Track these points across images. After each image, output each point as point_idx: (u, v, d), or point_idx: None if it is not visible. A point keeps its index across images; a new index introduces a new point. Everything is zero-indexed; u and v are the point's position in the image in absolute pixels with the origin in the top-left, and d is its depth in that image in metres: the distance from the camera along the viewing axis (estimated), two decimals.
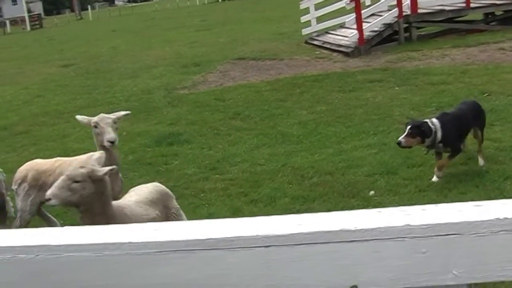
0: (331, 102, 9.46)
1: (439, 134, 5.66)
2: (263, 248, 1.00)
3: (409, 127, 5.67)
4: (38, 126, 10.42)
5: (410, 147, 5.84)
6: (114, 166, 3.98)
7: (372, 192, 5.68)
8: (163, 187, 4.48)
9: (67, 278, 1.12)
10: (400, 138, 5.70)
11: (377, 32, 14.06)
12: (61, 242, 1.12)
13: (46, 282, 1.13)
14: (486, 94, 8.52)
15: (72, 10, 63.93)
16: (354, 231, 0.98)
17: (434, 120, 5.78)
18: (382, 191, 5.69)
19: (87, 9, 57.23)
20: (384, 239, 0.97)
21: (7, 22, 49.79)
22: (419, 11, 14.55)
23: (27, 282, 1.15)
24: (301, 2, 16.71)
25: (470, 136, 6.19)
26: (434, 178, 5.79)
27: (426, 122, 5.71)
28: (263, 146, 7.54)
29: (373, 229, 0.97)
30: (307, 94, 10.22)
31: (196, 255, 1.03)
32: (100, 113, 4.97)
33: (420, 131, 5.62)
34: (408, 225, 0.96)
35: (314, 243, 0.99)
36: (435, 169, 5.82)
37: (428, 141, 5.69)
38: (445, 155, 5.93)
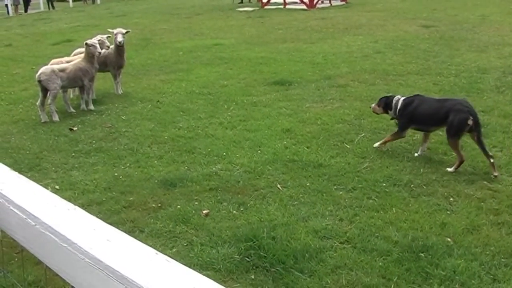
0: None
1: (397, 110, 6.78)
2: None
3: (379, 98, 7.19)
4: (358, 83, 10.66)
5: (378, 113, 7.35)
6: None
7: None
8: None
9: None
10: (371, 105, 7.38)
11: None
12: None
13: None
14: None
15: None
16: None
17: (401, 97, 6.83)
18: None
19: None
20: None
21: None
22: None
23: None
24: None
25: None
26: (376, 144, 7.01)
27: (391, 98, 6.93)
28: None
29: None
30: None
31: None
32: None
33: (383, 103, 7.02)
34: None
35: None
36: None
37: (391, 113, 6.94)
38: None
